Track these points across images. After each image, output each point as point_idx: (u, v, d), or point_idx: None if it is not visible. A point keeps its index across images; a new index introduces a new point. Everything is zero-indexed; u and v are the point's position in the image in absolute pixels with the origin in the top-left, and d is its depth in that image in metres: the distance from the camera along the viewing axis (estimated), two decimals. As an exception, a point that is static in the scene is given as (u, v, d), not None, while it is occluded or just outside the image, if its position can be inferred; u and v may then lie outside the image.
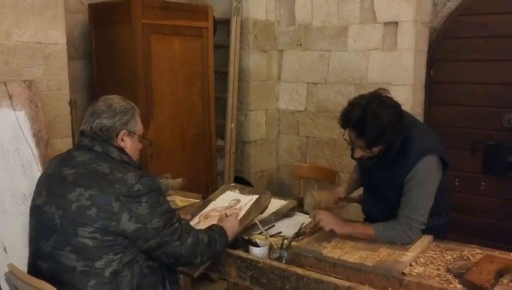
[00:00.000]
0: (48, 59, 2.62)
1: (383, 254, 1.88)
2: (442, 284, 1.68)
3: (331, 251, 1.91)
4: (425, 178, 1.92)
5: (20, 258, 2.12)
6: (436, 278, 1.72)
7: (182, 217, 2.24)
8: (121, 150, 1.75)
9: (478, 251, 1.95)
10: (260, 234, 2.10)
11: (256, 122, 4.15)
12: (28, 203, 1.80)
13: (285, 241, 1.98)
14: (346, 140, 2.01)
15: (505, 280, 1.70)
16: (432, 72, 3.78)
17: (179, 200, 2.65)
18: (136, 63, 3.09)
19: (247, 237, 2.05)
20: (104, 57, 3.30)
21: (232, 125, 3.94)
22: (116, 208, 1.58)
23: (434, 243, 2.03)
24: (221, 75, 4.00)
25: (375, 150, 1.96)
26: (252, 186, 3.80)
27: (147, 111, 3.16)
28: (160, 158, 3.29)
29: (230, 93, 3.90)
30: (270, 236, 2.10)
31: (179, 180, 2.78)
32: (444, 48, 3.71)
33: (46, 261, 1.65)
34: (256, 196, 2.29)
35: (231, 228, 1.97)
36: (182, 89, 3.41)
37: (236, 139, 4.05)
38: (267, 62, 4.17)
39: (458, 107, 3.68)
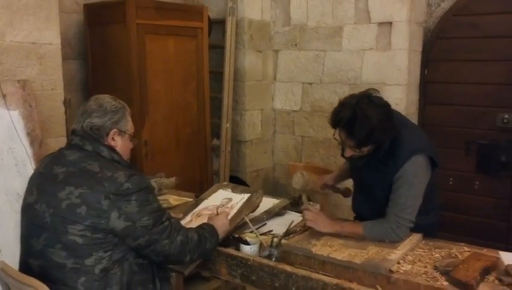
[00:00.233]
0: (42, 59, 2.63)
1: (372, 251, 1.89)
2: (429, 281, 1.69)
3: (320, 248, 1.93)
4: (414, 177, 1.94)
5: (14, 257, 2.11)
6: (423, 275, 1.74)
7: (175, 215, 2.28)
8: (112, 149, 1.76)
9: (466, 249, 1.97)
10: (251, 232, 2.12)
11: (251, 122, 4.17)
12: (22, 202, 1.81)
13: (275, 239, 2.00)
14: (337, 139, 2.02)
15: (490, 277, 1.72)
16: (426, 72, 3.80)
17: (172, 199, 2.67)
18: (130, 63, 3.11)
19: (237, 235, 2.07)
20: (99, 57, 3.32)
21: (228, 125, 3.96)
22: (105, 206, 1.59)
23: (423, 241, 2.04)
24: (217, 75, 4.02)
25: (365, 149, 1.97)
26: (247, 185, 3.81)
27: (141, 111, 3.18)
28: (155, 157, 3.31)
29: (225, 93, 3.92)
30: (261, 234, 2.11)
31: (173, 179, 2.80)
32: (438, 48, 3.73)
33: (37, 258, 1.67)
34: (247, 195, 2.31)
35: (222, 226, 1.99)
36: (177, 89, 3.43)
37: (231, 138, 4.07)
38: (262, 62, 4.19)
39: (452, 107, 3.70)
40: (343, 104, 1.96)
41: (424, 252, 1.94)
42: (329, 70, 3.96)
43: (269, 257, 1.95)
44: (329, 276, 1.80)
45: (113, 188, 1.61)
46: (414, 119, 3.82)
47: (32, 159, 2.43)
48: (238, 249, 2.03)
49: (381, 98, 1.99)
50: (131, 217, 1.62)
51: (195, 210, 2.32)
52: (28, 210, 1.73)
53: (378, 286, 1.74)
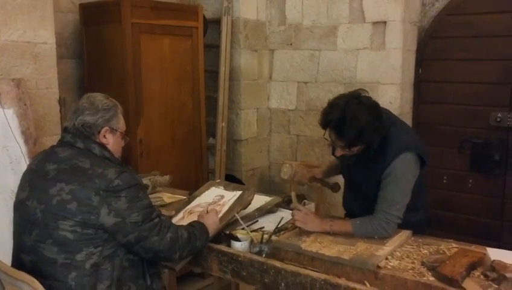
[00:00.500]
0: (37, 58, 2.65)
1: (361, 248, 1.92)
2: (416, 276, 1.72)
3: (310, 245, 1.95)
4: (402, 174, 1.97)
5: (9, 253, 2.15)
6: (410, 271, 1.76)
7: (167, 213, 2.31)
8: (103, 146, 1.79)
9: (454, 245, 1.99)
10: (242, 229, 2.15)
11: (247, 121, 4.19)
12: (16, 199, 1.83)
13: (265, 236, 2.02)
14: (327, 139, 2.04)
15: (476, 273, 1.74)
16: (420, 71, 3.83)
17: (166, 197, 2.69)
18: (125, 62, 3.13)
19: (228, 232, 2.10)
20: (94, 56, 3.34)
21: (223, 123, 3.98)
22: (95, 202, 1.62)
23: (412, 238, 2.07)
24: (213, 74, 4.05)
25: (355, 149, 2.00)
26: (243, 184, 3.84)
27: (136, 109, 3.20)
28: (150, 156, 3.33)
29: (221, 92, 3.94)
30: (253, 231, 2.14)
31: (167, 177, 2.82)
32: (432, 47, 3.75)
33: (28, 254, 1.70)
34: (239, 192, 2.33)
35: (212, 224, 2.01)
36: (172, 88, 3.45)
37: (227, 137, 4.09)
38: (258, 61, 4.21)
39: (446, 106, 3.72)
40: (333, 104, 1.98)
41: (413, 248, 1.97)
42: (324, 69, 3.99)
43: (259, 253, 1.97)
44: (318, 272, 1.82)
45: (103, 185, 1.63)
46: (408, 118, 3.85)
47: (26, 157, 2.46)
48: (229, 245, 2.05)
49: (370, 98, 2.01)
50: (121, 213, 1.65)
51: (187, 207, 2.35)
52: (20, 206, 1.75)
53: (366, 282, 1.76)
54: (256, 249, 1.98)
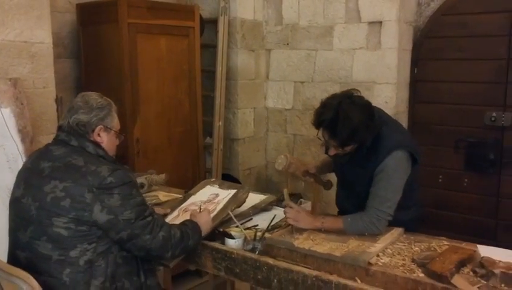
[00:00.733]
0: (34, 58, 2.68)
1: (352, 245, 1.94)
2: (406, 273, 1.74)
3: (302, 242, 1.98)
4: (393, 172, 1.99)
5: (6, 250, 2.18)
6: (401, 267, 1.79)
7: (163, 211, 2.33)
8: (97, 144, 1.81)
9: (445, 242, 2.02)
10: (236, 227, 2.17)
11: (244, 120, 4.21)
12: (13, 197, 1.85)
13: (259, 233, 2.04)
14: (320, 139, 2.07)
15: (466, 269, 1.76)
16: (415, 71, 3.85)
17: (162, 195, 2.71)
18: (122, 61, 3.15)
19: (222, 229, 2.12)
20: (92, 56, 3.36)
21: (220, 123, 4.01)
22: (88, 199, 1.64)
23: (404, 236, 2.09)
24: (210, 74, 4.07)
25: (348, 148, 2.03)
26: (240, 183, 3.86)
27: (133, 109, 3.23)
28: (147, 155, 3.35)
29: (218, 91, 3.96)
30: (247, 229, 2.16)
31: (163, 176, 2.85)
32: (427, 47, 3.77)
33: (23, 250, 1.73)
34: (234, 191, 2.36)
35: (204, 223, 2.02)
36: (169, 88, 3.47)
37: (224, 137, 4.11)
38: (255, 61, 4.23)
39: (441, 105, 3.75)
40: (325, 104, 2.00)
41: (404, 245, 1.99)
42: (321, 69, 4.01)
43: (253, 250, 1.99)
44: (310, 268, 1.85)
45: (96, 182, 1.65)
46: (404, 117, 3.87)
47: (23, 155, 2.47)
48: (223, 243, 2.08)
49: (362, 98, 2.03)
50: (113, 210, 1.67)
51: (182, 205, 2.37)
52: (15, 204, 1.78)
53: (357, 278, 1.79)
54: (250, 246, 2.01)
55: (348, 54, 3.85)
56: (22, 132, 2.51)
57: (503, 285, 1.63)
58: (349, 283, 1.72)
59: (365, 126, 1.95)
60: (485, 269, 1.69)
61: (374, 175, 2.02)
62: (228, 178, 3.92)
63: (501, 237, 3.53)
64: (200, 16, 3.79)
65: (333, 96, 2.04)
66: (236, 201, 2.28)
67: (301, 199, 4.01)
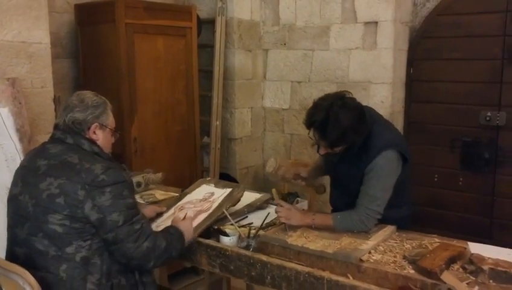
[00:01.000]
0: (32, 58, 2.70)
1: (345, 242, 1.97)
2: (397, 269, 1.77)
3: (296, 239, 2.01)
4: (383, 171, 2.02)
5: (4, 247, 2.21)
6: (392, 264, 1.81)
7: (159, 209, 2.36)
8: (92, 142, 1.83)
9: (437, 240, 2.04)
10: (231, 225, 2.20)
11: (241, 120, 4.24)
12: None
13: (253, 231, 2.07)
14: (312, 138, 2.10)
15: (456, 266, 1.79)
16: (411, 71, 3.87)
17: (158, 194, 2.74)
18: (119, 61, 3.18)
19: (217, 227, 2.15)
20: (90, 56, 3.39)
21: (218, 122, 4.04)
22: (81, 196, 1.67)
23: (397, 233, 2.12)
24: (208, 74, 4.10)
25: (338, 149, 2.06)
26: (237, 182, 3.89)
27: (130, 108, 3.26)
28: (145, 154, 3.38)
29: (215, 91, 3.99)
30: (242, 227, 2.19)
31: (159, 174, 2.87)
32: (423, 47, 3.81)
33: (21, 247, 1.76)
34: (229, 190, 2.38)
35: (186, 231, 1.99)
36: (166, 87, 3.50)
37: (222, 136, 4.14)
38: (252, 61, 4.26)
39: (437, 105, 3.78)
40: (317, 106, 2.03)
41: (396, 243, 2.02)
42: (317, 69, 4.04)
43: (247, 247, 2.02)
44: (303, 265, 1.88)
45: (89, 179, 1.68)
46: (400, 117, 3.90)
47: (21, 154, 2.50)
48: (218, 240, 2.11)
49: (354, 100, 2.06)
50: (102, 209, 1.68)
51: (178, 204, 2.40)
52: (12, 201, 1.81)
53: (349, 275, 1.81)
54: (244, 243, 2.04)
55: (344, 54, 3.88)
56: (20, 131, 2.53)
57: (491, 281, 1.66)
58: (341, 279, 1.74)
59: (355, 129, 1.98)
60: (474, 265, 1.72)
61: (364, 174, 2.05)
62: (225, 177, 3.94)
63: (496, 236, 3.56)
64: (198, 16, 3.82)
65: (325, 98, 2.06)
66: (231, 199, 2.31)
67: (298, 198, 4.05)
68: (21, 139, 2.54)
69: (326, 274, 1.79)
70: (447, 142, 3.75)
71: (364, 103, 3.65)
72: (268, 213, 2.23)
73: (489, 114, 3.52)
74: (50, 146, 1.81)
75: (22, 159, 2.49)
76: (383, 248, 1.96)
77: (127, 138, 3.23)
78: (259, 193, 2.63)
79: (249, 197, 2.51)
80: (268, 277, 1.90)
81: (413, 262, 1.80)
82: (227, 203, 2.27)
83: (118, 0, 3.13)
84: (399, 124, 3.88)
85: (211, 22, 4.03)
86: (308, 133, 2.08)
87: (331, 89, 3.94)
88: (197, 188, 2.53)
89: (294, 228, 2.10)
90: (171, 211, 2.36)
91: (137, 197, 2.57)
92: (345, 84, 3.88)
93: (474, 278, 1.68)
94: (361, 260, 1.83)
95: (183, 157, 3.69)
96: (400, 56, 3.79)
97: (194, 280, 3.50)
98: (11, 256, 1.80)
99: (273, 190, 2.27)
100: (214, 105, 4.00)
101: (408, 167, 2.13)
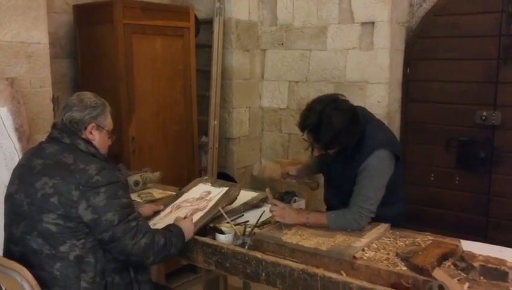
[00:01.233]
0: (31, 58, 2.73)
1: (339, 240, 2.00)
2: (389, 266, 1.80)
3: (291, 237, 2.03)
4: (375, 170, 2.05)
5: (1, 245, 2.23)
6: (385, 261, 1.84)
7: (156, 207, 2.39)
8: (88, 142, 1.85)
9: (430, 237, 2.07)
10: (227, 223, 2.22)
11: (239, 120, 4.27)
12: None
13: (248, 229, 2.10)
14: (306, 140, 2.13)
15: (447, 263, 1.81)
16: (408, 71, 3.90)
17: (156, 193, 2.77)
18: (118, 61, 3.21)
19: (213, 225, 2.18)
20: (88, 56, 3.42)
21: (216, 122, 4.06)
22: (75, 196, 1.68)
23: (390, 231, 2.15)
24: (206, 74, 4.12)
25: (331, 151, 2.10)
26: (235, 181, 3.91)
27: (128, 108, 3.28)
28: (143, 153, 3.41)
29: (213, 91, 4.02)
30: (238, 225, 2.22)
31: (157, 174, 2.90)
32: (419, 47, 3.83)
33: (17, 245, 1.78)
34: (226, 188, 2.41)
35: (187, 230, 2.03)
36: (164, 87, 3.53)
37: (220, 136, 4.17)
38: (250, 61, 4.29)
39: (433, 105, 3.80)
40: (310, 108, 2.06)
41: (389, 240, 2.04)
42: (315, 69, 4.06)
43: (242, 245, 2.04)
44: (298, 262, 1.90)
45: (84, 180, 1.70)
46: (397, 116, 3.93)
47: (20, 153, 2.53)
48: (214, 238, 2.13)
49: (346, 102, 2.09)
50: (97, 210, 1.70)
51: (175, 202, 2.43)
52: (9, 199, 1.83)
53: (342, 271, 1.84)
54: (239, 241, 2.06)
55: (341, 54, 3.91)
56: (18, 130, 2.56)
57: (481, 277, 1.68)
58: (334, 276, 1.76)
59: (348, 131, 2.02)
60: (465, 262, 1.75)
61: (357, 173, 2.08)
62: (223, 176, 3.97)
63: (491, 235, 3.58)
64: (196, 16, 3.85)
65: (318, 100, 2.09)
66: (227, 198, 2.34)
67: (295, 197, 4.06)
68: (20, 139, 2.56)
69: (319, 271, 1.81)
70: (443, 142, 3.77)
71: (361, 103, 3.73)
72: (263, 211, 2.26)
73: (485, 114, 3.55)
74: (46, 145, 1.84)
75: (20, 158, 2.52)
76: (376, 245, 1.99)
77: (125, 137, 3.26)
78: (256, 192, 2.66)
79: (245, 195, 2.54)
80: (263, 274, 1.92)
81: (405, 259, 1.82)
82: (223, 202, 2.30)
83: (116, 1, 3.15)
84: (396, 123, 3.91)
85: (209, 22, 4.06)
86: (302, 135, 2.11)
87: (328, 88, 3.98)
88: (194, 187, 2.55)
89: (289, 226, 2.13)
90: (168, 209, 2.39)
91: (135, 196, 2.62)
92: (342, 84, 3.91)
93: (465, 275, 1.71)
94: (354, 257, 1.85)
95: (181, 157, 3.72)
96: (396, 56, 3.81)
97: (192, 278, 3.52)
98: (7, 254, 1.82)
99: (267, 189, 2.30)
100: (212, 105, 4.03)
101: (400, 166, 2.16)
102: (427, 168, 3.86)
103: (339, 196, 2.23)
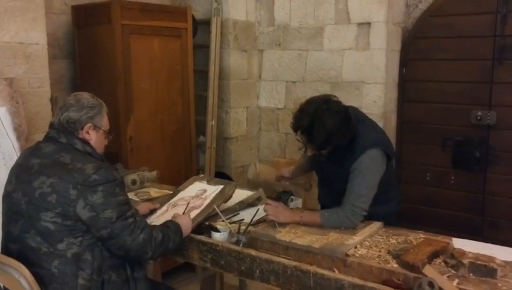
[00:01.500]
0: (29, 58, 2.76)
1: (332, 237, 2.03)
2: (381, 263, 1.83)
3: (284, 235, 2.06)
4: (367, 169, 2.08)
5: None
6: (377, 258, 1.87)
7: (153, 205, 2.42)
8: (85, 141, 1.88)
9: (422, 235, 2.10)
10: (223, 221, 2.25)
11: (237, 120, 4.30)
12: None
13: (242, 227, 2.13)
14: (299, 140, 2.16)
15: (438, 261, 1.85)
16: (404, 71, 3.93)
17: (153, 192, 2.80)
18: (116, 61, 3.24)
19: (207, 223, 2.21)
20: (86, 57, 3.44)
21: (213, 122, 4.09)
22: (73, 195, 1.71)
23: (384, 229, 2.18)
24: (203, 74, 4.15)
25: (324, 151, 2.13)
26: (233, 181, 3.94)
27: (126, 108, 3.31)
28: (140, 153, 3.44)
29: (210, 91, 4.05)
30: (233, 223, 2.25)
31: (154, 172, 2.93)
32: (415, 48, 3.86)
33: (15, 243, 1.81)
34: (221, 187, 2.44)
35: (185, 226, 2.06)
36: (162, 87, 3.56)
37: (217, 135, 4.20)
38: (247, 61, 4.32)
39: (429, 105, 3.83)
40: (303, 110, 2.10)
41: (382, 238, 2.07)
42: (312, 69, 4.09)
43: (237, 243, 2.08)
44: (291, 260, 1.93)
45: (81, 179, 1.73)
46: (393, 116, 3.96)
47: (18, 152, 2.55)
48: (209, 236, 2.16)
49: (338, 103, 2.12)
50: (95, 207, 1.73)
51: (171, 201, 2.46)
52: (7, 198, 1.86)
53: (334, 269, 1.87)
54: (234, 239, 2.09)
55: (338, 54, 3.94)
56: (17, 130, 2.59)
57: (471, 274, 1.71)
58: (326, 272, 1.79)
59: (340, 131, 2.05)
60: (455, 259, 1.78)
61: (349, 172, 2.11)
62: (221, 176, 3.99)
63: (487, 233, 3.61)
64: (193, 17, 3.88)
65: (310, 102, 2.13)
66: (222, 196, 2.37)
67: (292, 197, 4.09)
68: (18, 138, 2.59)
69: (312, 268, 1.84)
70: (439, 141, 3.80)
71: (357, 103, 3.76)
72: (258, 209, 2.29)
73: (480, 113, 3.57)
74: (43, 145, 1.87)
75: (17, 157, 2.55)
76: (369, 243, 2.02)
77: (122, 137, 3.29)
78: (251, 191, 2.69)
79: (241, 194, 2.57)
80: (257, 271, 1.95)
81: (397, 257, 1.85)
82: (218, 200, 2.33)
83: (114, 2, 3.18)
84: (392, 123, 3.94)
85: (207, 23, 4.09)
86: (296, 136, 2.14)
87: (325, 89, 4.00)
88: (190, 185, 2.58)
89: (284, 224, 2.16)
90: (165, 207, 2.42)
91: (132, 194, 2.65)
92: (338, 84, 3.94)
93: (455, 272, 1.74)
94: (347, 255, 1.88)
95: (178, 156, 3.75)
96: (392, 56, 3.84)
97: (188, 276, 3.55)
98: (6, 252, 1.84)
99: (261, 189, 2.33)
100: (209, 105, 4.06)
101: (392, 165, 2.19)
102: (423, 167, 3.89)
103: (332, 195, 2.26)
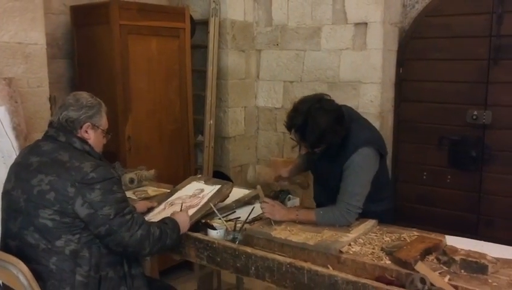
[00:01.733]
0: (28, 58, 2.79)
1: (326, 235, 2.05)
2: (374, 260, 1.85)
3: (280, 232, 2.09)
4: (360, 167, 2.11)
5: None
6: (370, 255, 1.89)
7: (150, 204, 2.45)
8: (84, 140, 1.91)
9: (416, 233, 2.12)
10: (219, 219, 2.28)
11: (235, 119, 4.33)
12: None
13: (238, 225, 2.15)
14: (293, 139, 2.19)
15: (430, 257, 1.87)
16: (401, 71, 3.95)
17: (151, 190, 2.83)
18: (114, 61, 3.26)
19: (204, 221, 2.23)
20: (85, 57, 3.47)
21: (211, 121, 4.12)
22: (71, 193, 1.74)
23: (378, 227, 2.20)
24: (202, 74, 4.18)
25: (317, 150, 2.16)
26: (231, 180, 3.96)
27: (125, 107, 3.34)
28: (139, 152, 3.46)
29: (209, 91, 4.08)
30: (229, 221, 2.27)
31: (152, 171, 2.96)
32: (412, 48, 3.88)
33: (14, 240, 1.84)
34: (218, 186, 2.47)
35: (183, 222, 2.10)
36: (160, 87, 3.58)
37: (216, 135, 4.23)
38: (245, 61, 4.34)
39: (426, 104, 3.85)
40: (296, 109, 2.13)
41: (376, 236, 2.10)
42: (309, 69, 4.12)
43: (233, 240, 2.10)
44: (286, 256, 1.96)
45: (79, 177, 1.75)
46: (389, 116, 3.98)
47: (17, 151, 2.58)
48: (206, 233, 2.19)
49: (331, 102, 2.15)
50: (93, 205, 1.75)
51: (168, 199, 2.49)
52: (6, 196, 1.89)
53: (329, 265, 1.90)
54: (230, 236, 2.12)
55: (335, 54, 3.96)
56: (16, 129, 2.62)
57: (462, 271, 1.74)
58: (320, 269, 1.82)
59: (333, 130, 2.08)
60: (447, 256, 1.80)
61: (343, 170, 2.13)
62: (219, 175, 4.02)
63: (482, 232, 3.63)
64: (191, 17, 3.90)
65: (304, 101, 2.15)
66: (220, 196, 2.39)
67: (290, 195, 4.12)
68: (17, 137, 2.62)
69: (306, 265, 1.87)
70: (435, 141, 3.83)
71: (354, 102, 3.78)
72: (253, 207, 2.31)
73: (475, 113, 3.60)
74: (42, 143, 1.89)
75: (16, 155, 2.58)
76: (363, 240, 2.04)
77: (121, 136, 3.32)
78: (248, 189, 2.71)
79: (238, 193, 2.60)
80: (253, 268, 1.98)
81: (390, 253, 1.88)
82: (215, 199, 2.36)
83: (112, 2, 3.21)
84: (388, 123, 3.96)
85: (205, 23, 4.12)
86: (290, 134, 2.17)
87: (323, 88, 4.02)
88: (188, 184, 2.61)
89: (279, 222, 2.19)
90: (162, 206, 2.44)
91: (130, 193, 2.68)
92: (335, 84, 3.96)
93: (446, 268, 1.77)
94: (340, 252, 1.91)
95: (177, 156, 3.78)
96: (389, 56, 3.87)
97: (186, 274, 3.58)
98: (4, 248, 1.87)
99: (258, 187, 2.36)
100: (207, 104, 4.09)
101: (385, 163, 2.22)
102: (419, 166, 3.92)
103: (326, 193, 2.29)
